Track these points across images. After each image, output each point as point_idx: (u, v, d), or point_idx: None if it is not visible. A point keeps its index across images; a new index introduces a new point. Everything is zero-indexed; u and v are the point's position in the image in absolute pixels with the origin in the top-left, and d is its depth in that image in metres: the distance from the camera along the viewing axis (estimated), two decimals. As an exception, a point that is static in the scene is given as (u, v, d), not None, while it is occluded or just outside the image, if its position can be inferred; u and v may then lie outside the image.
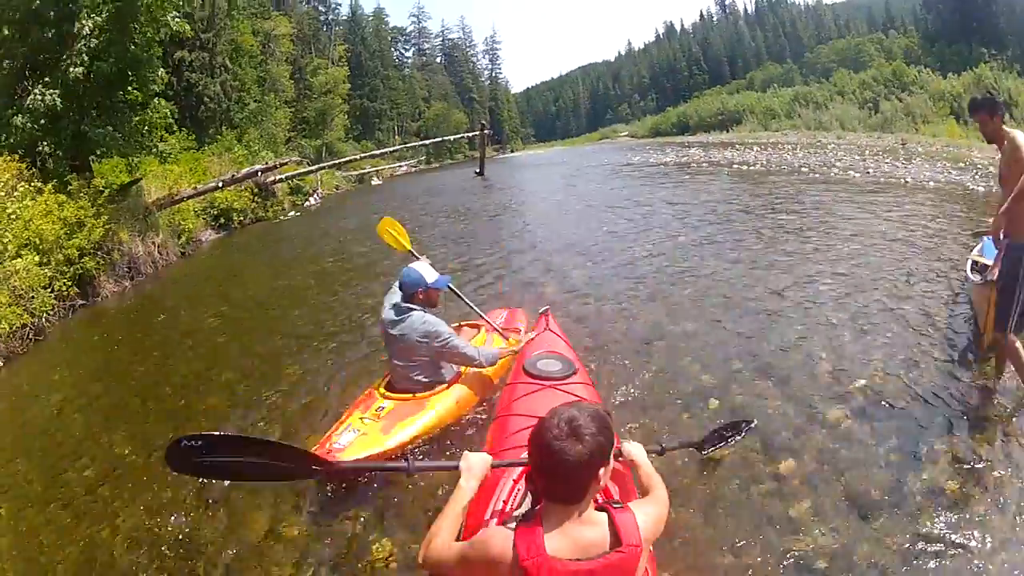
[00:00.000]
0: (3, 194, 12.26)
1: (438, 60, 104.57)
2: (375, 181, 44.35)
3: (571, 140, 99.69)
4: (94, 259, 13.71)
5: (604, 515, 1.76)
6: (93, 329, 11.93)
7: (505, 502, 2.32)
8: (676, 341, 5.97)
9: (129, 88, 15.88)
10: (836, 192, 14.77)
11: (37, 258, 11.86)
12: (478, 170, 31.39)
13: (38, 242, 12.26)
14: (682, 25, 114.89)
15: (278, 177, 28.23)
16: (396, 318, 3.96)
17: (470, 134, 48.40)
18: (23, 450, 5.75)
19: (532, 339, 4.02)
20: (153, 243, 16.98)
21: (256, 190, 26.46)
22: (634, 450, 2.34)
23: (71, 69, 13.95)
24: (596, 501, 1.80)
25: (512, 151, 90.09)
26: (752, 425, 3.76)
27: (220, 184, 19.70)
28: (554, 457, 1.65)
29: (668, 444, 3.19)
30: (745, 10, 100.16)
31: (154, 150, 17.98)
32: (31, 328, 10.73)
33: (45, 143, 14.26)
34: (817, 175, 16.47)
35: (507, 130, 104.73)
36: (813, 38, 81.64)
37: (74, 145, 15.05)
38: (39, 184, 13.32)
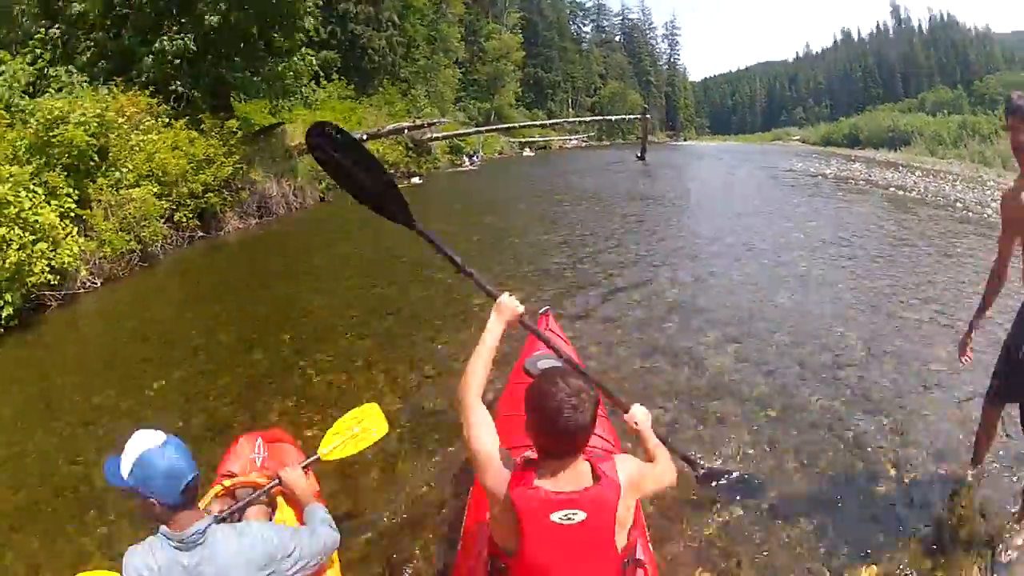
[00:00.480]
0: (127, 127, 12.21)
1: (617, 39, 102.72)
2: (526, 152, 43.41)
3: (744, 137, 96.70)
4: (220, 196, 13.74)
5: (587, 463, 1.81)
6: (205, 260, 12.02)
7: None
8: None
9: (274, 36, 15.96)
10: (989, 240, 10.77)
11: (155, 189, 11.90)
12: (639, 154, 30.37)
13: (160, 174, 12.31)
14: (859, 33, 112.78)
15: (433, 135, 28.01)
16: None
17: (630, 116, 45.29)
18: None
19: (532, 339, 3.76)
20: (289, 185, 16.89)
21: (411, 146, 26.59)
22: (639, 415, 2.29)
23: (207, 17, 14.02)
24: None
25: (685, 139, 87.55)
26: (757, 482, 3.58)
27: (364, 136, 19.22)
28: (571, 425, 1.70)
29: (672, 444, 3.01)
30: (919, 27, 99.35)
31: (298, 96, 17.92)
32: (137, 254, 10.84)
33: (179, 83, 14.40)
34: (971, 213, 13.83)
35: (682, 118, 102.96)
36: (982, 67, 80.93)
37: (213, 86, 15.20)
38: (168, 120, 13.40)
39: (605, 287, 7.99)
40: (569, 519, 1.71)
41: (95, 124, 10.60)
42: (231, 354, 6.27)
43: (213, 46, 14.72)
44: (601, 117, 51.79)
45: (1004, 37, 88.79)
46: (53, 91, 11.43)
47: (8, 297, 7.42)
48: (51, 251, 8.26)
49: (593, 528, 1.74)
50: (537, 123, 49.36)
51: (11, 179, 8.12)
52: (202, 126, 13.96)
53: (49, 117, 9.67)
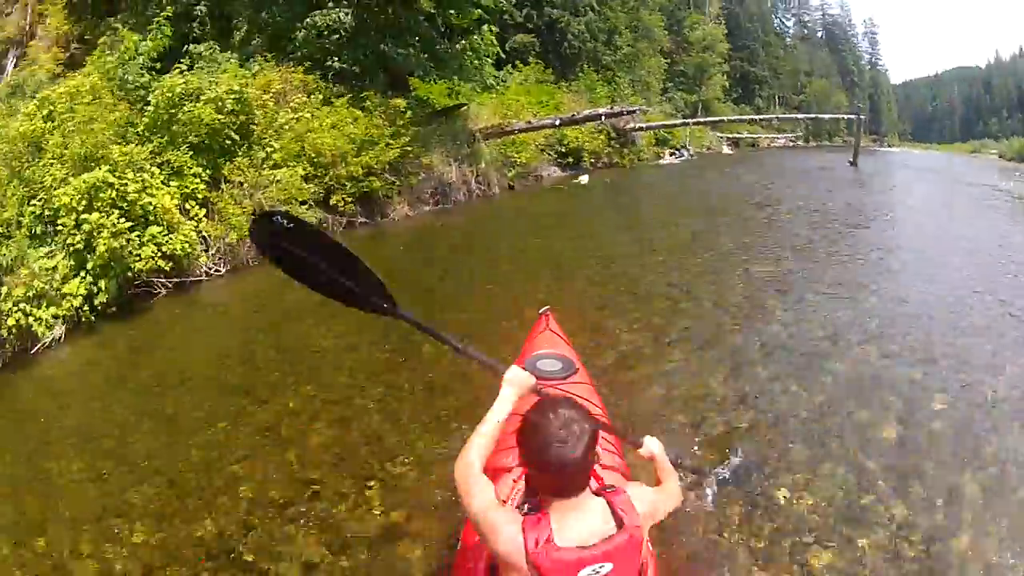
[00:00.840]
0: (274, 104, 10.87)
1: (819, 34, 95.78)
2: (725, 149, 39.03)
3: (944, 145, 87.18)
4: (384, 180, 11.91)
5: (600, 500, 1.70)
6: (360, 248, 9.34)
7: (504, 501, 1.91)
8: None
9: (450, 14, 14.50)
10: None
11: (304, 170, 10.34)
12: (851, 159, 26.92)
13: (313, 155, 10.72)
14: None
15: (639, 125, 25.65)
16: None
17: (846, 115, 39.53)
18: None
19: (532, 339, 3.68)
20: (472, 171, 14.84)
21: (614, 135, 24.24)
22: (652, 446, 2.18)
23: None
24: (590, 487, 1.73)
25: (888, 146, 79.32)
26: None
27: (557, 122, 17.23)
28: (559, 460, 1.59)
29: (683, 460, 3.18)
30: None
31: (476, 77, 16.50)
32: None
33: (336, 59, 12.94)
34: None
35: (885, 122, 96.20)
36: None
37: (379, 64, 13.64)
38: (327, 98, 12.11)
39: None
40: (596, 572, 1.58)
41: (231, 101, 9.32)
42: (369, 374, 5.08)
43: (373, 20, 13.30)
44: (814, 116, 47.67)
45: None
46: (184, 68, 10.02)
47: (102, 284, 6.72)
48: (164, 236, 7.54)
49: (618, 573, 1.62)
50: (745, 118, 46.38)
51: (110, 161, 7.39)
52: (365, 104, 12.37)
53: (169, 94, 8.72)
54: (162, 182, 8.10)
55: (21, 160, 7.50)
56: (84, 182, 6.85)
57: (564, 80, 28.08)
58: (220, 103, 9.23)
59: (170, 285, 7.66)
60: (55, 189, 6.92)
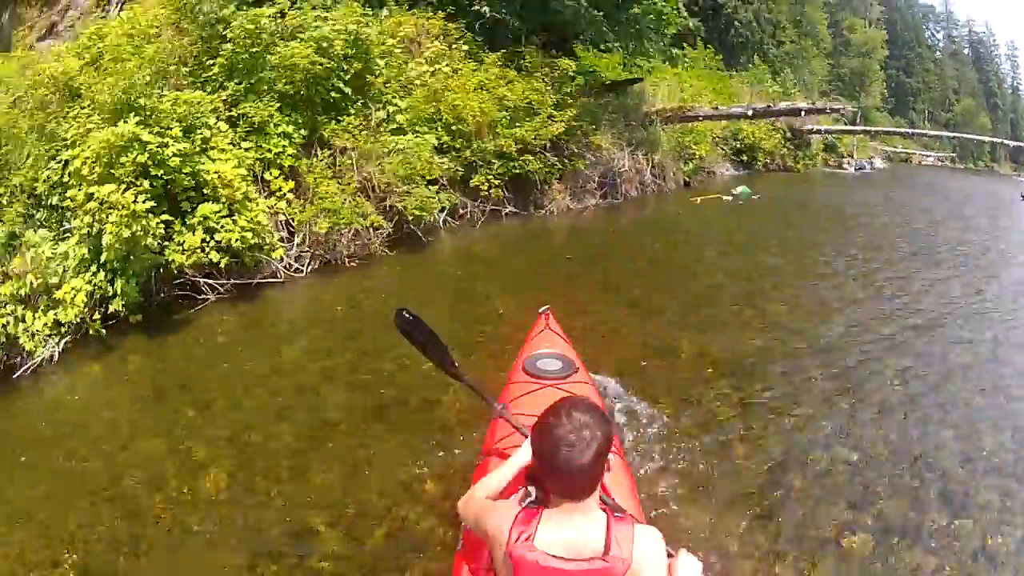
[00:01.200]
0: (403, 53, 8.13)
1: (966, 51, 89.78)
2: (878, 163, 33.55)
3: None
4: (544, 161, 8.74)
5: (603, 517, 1.57)
6: (499, 245, 7.70)
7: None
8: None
9: None
10: None
11: (437, 139, 7.55)
12: None
13: (451, 120, 7.82)
14: None
15: (815, 128, 22.87)
16: None
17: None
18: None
19: (532, 338, 3.53)
20: (647, 160, 11.65)
21: (789, 135, 21.22)
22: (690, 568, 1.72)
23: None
24: (601, 502, 1.66)
25: None
26: None
27: (750, 112, 13.89)
28: (567, 464, 1.51)
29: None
30: None
31: (658, 47, 13.04)
32: (386, 231, 6.58)
33: (486, 3, 9.72)
34: None
35: None
36: None
37: (542, 19, 10.45)
38: (475, 49, 9.22)
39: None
40: None
41: (342, 42, 6.69)
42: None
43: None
44: (990, 137, 40.75)
45: None
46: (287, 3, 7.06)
47: (118, 285, 4.66)
48: (219, 219, 5.10)
49: None
50: (911, 132, 42.74)
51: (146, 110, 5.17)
52: (523, 62, 9.42)
53: (252, 27, 6.31)
54: (231, 143, 5.61)
55: (46, 111, 5.49)
56: (101, 141, 4.72)
57: (731, 70, 25.87)
58: (326, 43, 6.44)
59: (223, 288, 5.27)
60: (69, 149, 5.02)
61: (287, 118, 6.11)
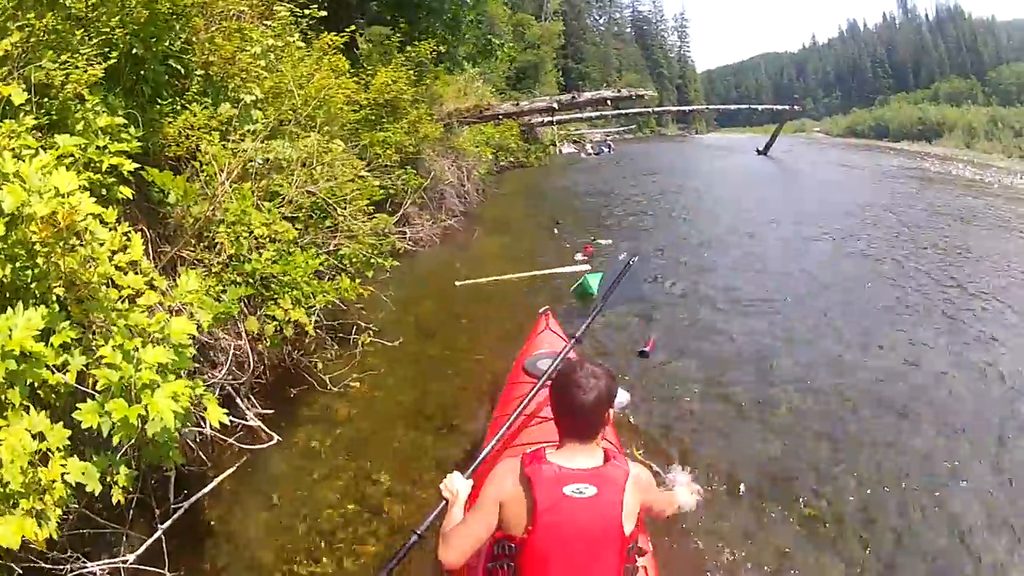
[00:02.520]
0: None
1: (628, 31, 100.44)
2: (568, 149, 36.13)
3: (762, 128, 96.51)
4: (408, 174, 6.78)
5: (602, 451, 1.83)
6: None
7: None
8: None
9: None
10: None
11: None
12: (761, 148, 26.87)
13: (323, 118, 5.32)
14: (865, 24, 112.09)
15: (545, 120, 22.58)
16: None
17: (779, 107, 37.81)
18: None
19: (532, 339, 3.60)
20: (461, 168, 10.28)
21: (522, 129, 20.76)
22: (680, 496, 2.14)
23: None
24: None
25: (696, 132, 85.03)
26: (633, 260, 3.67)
27: (556, 104, 13.62)
28: (574, 401, 1.78)
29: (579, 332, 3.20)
30: (926, 16, 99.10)
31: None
32: None
33: None
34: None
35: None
36: (992, 56, 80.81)
37: None
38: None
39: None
40: (580, 492, 1.71)
41: None
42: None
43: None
44: (735, 106, 44.87)
45: (1008, 24, 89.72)
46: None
47: None
48: None
49: (603, 503, 1.72)
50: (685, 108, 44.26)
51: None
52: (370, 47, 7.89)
53: None
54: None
55: None
56: None
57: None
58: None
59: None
60: None
61: (104, 101, 3.35)
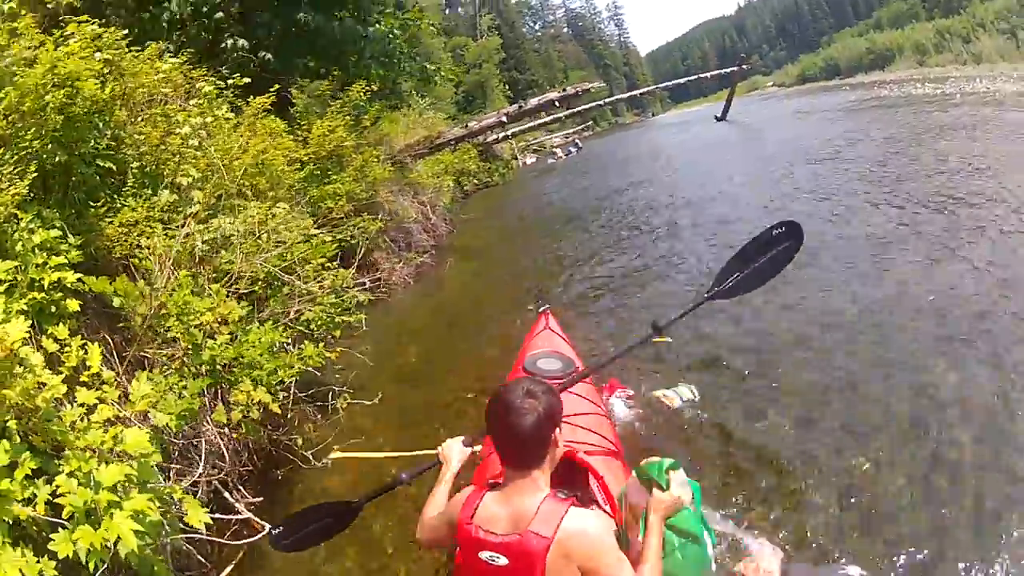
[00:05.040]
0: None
1: (565, 31, 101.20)
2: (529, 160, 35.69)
3: (717, 95, 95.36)
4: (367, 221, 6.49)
5: (541, 496, 1.62)
6: None
7: None
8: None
9: None
10: None
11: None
12: (719, 115, 26.89)
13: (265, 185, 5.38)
14: None
15: (499, 136, 22.12)
16: None
17: (725, 71, 36.98)
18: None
19: (532, 338, 3.57)
20: (423, 203, 10.06)
21: (480, 150, 20.47)
22: (662, 501, 1.84)
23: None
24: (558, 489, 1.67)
25: (653, 114, 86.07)
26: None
27: (504, 118, 12.30)
28: (507, 427, 1.61)
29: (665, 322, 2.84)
30: None
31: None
32: None
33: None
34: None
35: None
36: None
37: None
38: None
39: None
40: (493, 560, 1.61)
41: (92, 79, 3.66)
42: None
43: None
44: (684, 79, 43.64)
45: None
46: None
47: None
48: None
49: (515, 574, 1.60)
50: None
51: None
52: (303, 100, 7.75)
53: None
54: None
55: None
56: None
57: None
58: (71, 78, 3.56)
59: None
60: None
61: (37, 216, 3.25)
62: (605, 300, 5.83)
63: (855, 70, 55.19)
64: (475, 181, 19.52)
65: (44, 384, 2.28)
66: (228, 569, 2.74)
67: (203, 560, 2.87)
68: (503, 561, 1.57)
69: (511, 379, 3.13)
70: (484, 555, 1.60)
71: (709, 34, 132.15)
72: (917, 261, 5.13)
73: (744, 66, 28.05)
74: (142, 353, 3.36)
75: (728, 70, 28.55)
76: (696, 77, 36.65)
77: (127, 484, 2.21)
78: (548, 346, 3.38)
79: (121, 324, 3.44)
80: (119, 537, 2.02)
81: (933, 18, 55.06)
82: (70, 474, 2.13)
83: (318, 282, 4.15)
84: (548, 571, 1.54)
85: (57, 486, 2.13)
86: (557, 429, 1.66)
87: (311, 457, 3.44)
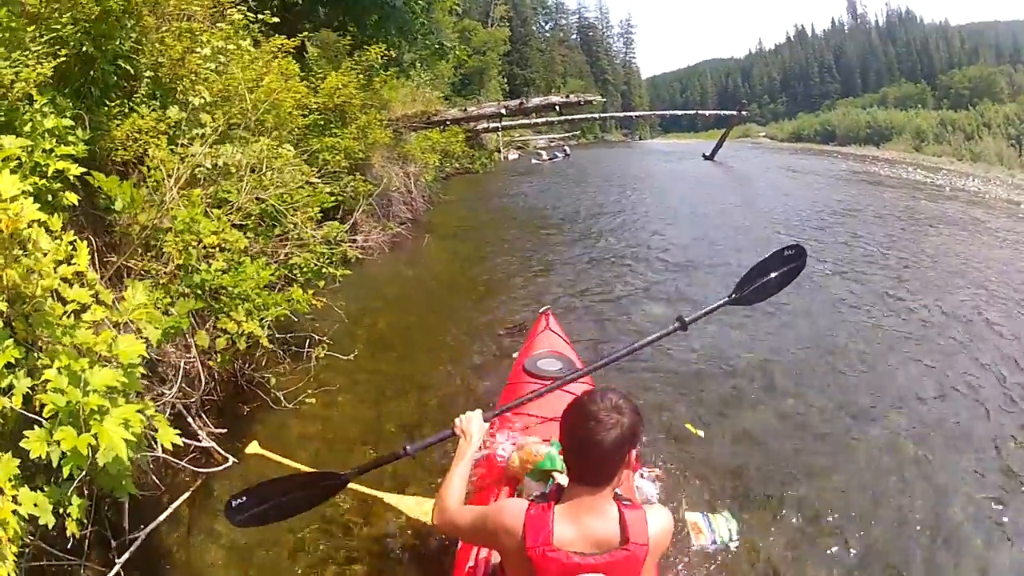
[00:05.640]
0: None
1: (574, 37, 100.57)
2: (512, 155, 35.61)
3: (707, 134, 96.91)
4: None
5: (615, 509, 1.59)
6: None
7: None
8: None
9: None
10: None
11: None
12: (708, 154, 27.29)
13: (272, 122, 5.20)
14: (813, 30, 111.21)
15: (489, 126, 21.34)
16: None
17: (724, 112, 37.82)
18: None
19: (532, 339, 3.58)
20: (409, 175, 10.15)
21: (467, 135, 19.97)
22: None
23: None
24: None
25: (640, 138, 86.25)
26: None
27: (503, 110, 12.10)
28: (588, 439, 1.52)
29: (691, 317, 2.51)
30: (876, 22, 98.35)
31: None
32: None
33: None
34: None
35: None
36: (944, 61, 79.47)
37: None
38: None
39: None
40: None
41: None
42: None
43: None
44: (681, 111, 44.50)
45: (961, 28, 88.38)
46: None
47: None
48: None
49: None
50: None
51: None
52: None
53: None
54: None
55: None
56: None
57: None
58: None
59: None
60: None
61: (52, 102, 3.14)
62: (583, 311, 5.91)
63: (850, 140, 55.49)
64: (456, 165, 19.42)
65: (40, 271, 2.22)
66: (184, 497, 2.71)
67: (158, 482, 2.85)
68: None
69: (512, 379, 3.16)
70: None
71: (713, 72, 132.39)
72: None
73: (744, 112, 28.28)
74: (127, 264, 3.30)
75: (727, 112, 29.05)
76: (695, 112, 37.31)
77: (114, 392, 2.16)
78: (548, 347, 3.38)
79: (109, 229, 3.38)
80: (100, 445, 1.97)
81: (941, 108, 55.77)
82: (59, 371, 2.07)
83: (312, 231, 4.12)
84: (642, 573, 1.55)
85: (35, 382, 2.08)
86: (635, 450, 1.59)
87: (281, 398, 3.44)
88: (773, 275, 2.45)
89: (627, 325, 5.48)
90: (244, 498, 2.07)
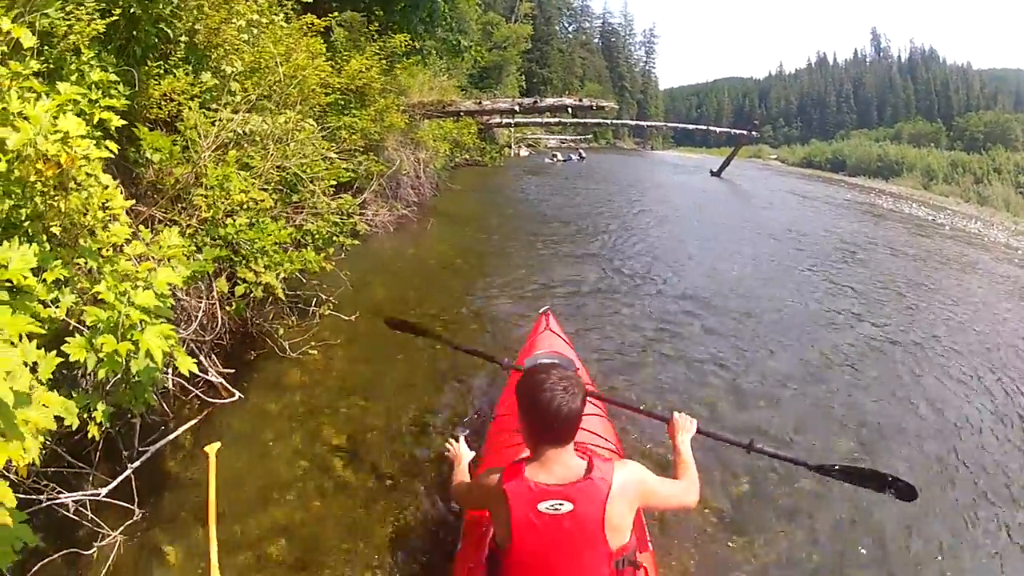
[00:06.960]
0: None
1: (596, 41, 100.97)
2: (523, 152, 35.39)
3: (718, 150, 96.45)
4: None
5: (584, 457, 1.80)
6: None
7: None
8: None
9: None
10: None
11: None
12: (715, 170, 28.05)
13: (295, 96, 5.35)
14: (835, 59, 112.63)
15: (503, 121, 22.60)
16: None
17: (735, 130, 37.46)
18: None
19: (532, 339, 3.70)
20: (419, 160, 10.44)
21: (480, 128, 20.58)
22: (683, 424, 2.28)
23: None
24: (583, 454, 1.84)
25: (652, 148, 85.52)
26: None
27: (517, 107, 12.23)
28: (557, 407, 1.71)
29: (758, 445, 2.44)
30: (899, 57, 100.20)
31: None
32: None
33: None
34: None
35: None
36: (962, 103, 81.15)
37: None
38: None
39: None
40: (556, 509, 1.70)
41: None
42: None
43: None
44: (694, 126, 44.15)
45: (983, 72, 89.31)
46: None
47: None
48: None
49: (580, 519, 1.70)
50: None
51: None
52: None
53: None
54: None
55: None
56: None
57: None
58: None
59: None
60: None
61: (98, 56, 3.43)
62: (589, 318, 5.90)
63: (860, 171, 55.47)
64: (466, 156, 19.65)
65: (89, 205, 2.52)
66: (193, 422, 3.01)
67: (167, 409, 3.15)
68: (568, 507, 1.68)
69: (513, 378, 3.22)
70: (545, 505, 1.68)
71: (731, 90, 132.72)
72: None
73: (754, 132, 27.96)
74: (154, 213, 3.61)
75: (738, 131, 29.10)
76: (707, 128, 37.22)
77: (150, 313, 2.46)
78: (548, 347, 3.45)
79: (135, 182, 3.69)
80: (141, 351, 2.26)
81: (953, 149, 56.54)
82: (107, 288, 2.37)
83: (328, 201, 4.42)
84: (607, 514, 1.69)
85: (77, 300, 2.36)
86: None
87: (287, 347, 3.77)
88: (868, 484, 2.27)
89: (628, 328, 5.71)
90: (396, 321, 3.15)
